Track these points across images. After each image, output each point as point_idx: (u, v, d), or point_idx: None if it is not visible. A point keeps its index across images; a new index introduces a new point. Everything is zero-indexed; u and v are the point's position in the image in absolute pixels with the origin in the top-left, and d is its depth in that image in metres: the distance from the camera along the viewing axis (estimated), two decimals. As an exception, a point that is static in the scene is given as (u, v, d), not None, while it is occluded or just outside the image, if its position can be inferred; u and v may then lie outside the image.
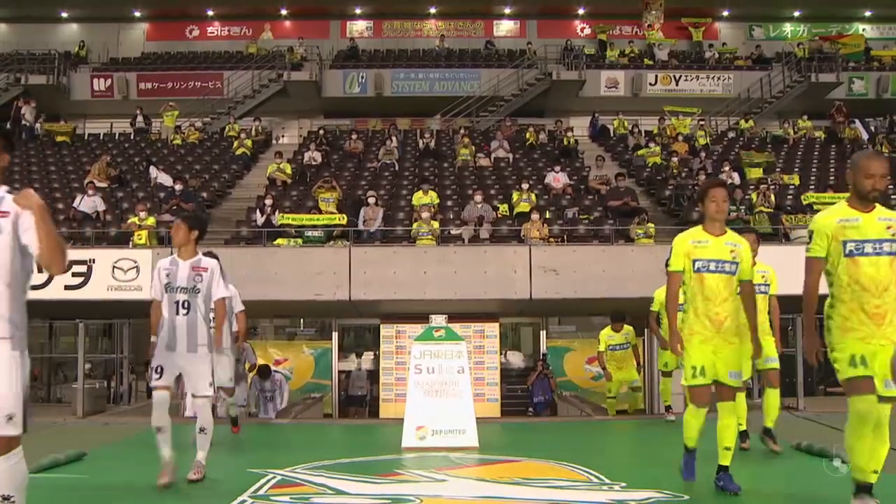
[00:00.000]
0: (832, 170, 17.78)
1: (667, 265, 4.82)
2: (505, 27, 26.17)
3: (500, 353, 14.50)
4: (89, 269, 11.61)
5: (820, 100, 22.07)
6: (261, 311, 13.18)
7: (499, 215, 13.91)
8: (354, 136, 19.06)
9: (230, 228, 14.04)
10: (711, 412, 4.68)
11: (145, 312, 5.40)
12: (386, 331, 14.09)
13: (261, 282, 11.14)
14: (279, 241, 12.81)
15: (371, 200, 13.80)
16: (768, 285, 6.28)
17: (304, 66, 22.78)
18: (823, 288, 4.05)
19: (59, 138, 19.43)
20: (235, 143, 18.79)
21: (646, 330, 10.50)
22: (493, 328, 14.07)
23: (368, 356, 15.13)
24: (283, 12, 25.44)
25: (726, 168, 15.81)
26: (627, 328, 9.91)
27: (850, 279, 3.91)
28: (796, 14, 25.95)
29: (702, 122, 20.67)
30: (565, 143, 18.67)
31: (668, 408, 8.82)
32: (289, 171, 16.44)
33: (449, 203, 14.83)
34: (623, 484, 4.99)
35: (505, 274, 11.68)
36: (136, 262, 11.57)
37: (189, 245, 5.32)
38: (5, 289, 2.79)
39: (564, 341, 14.98)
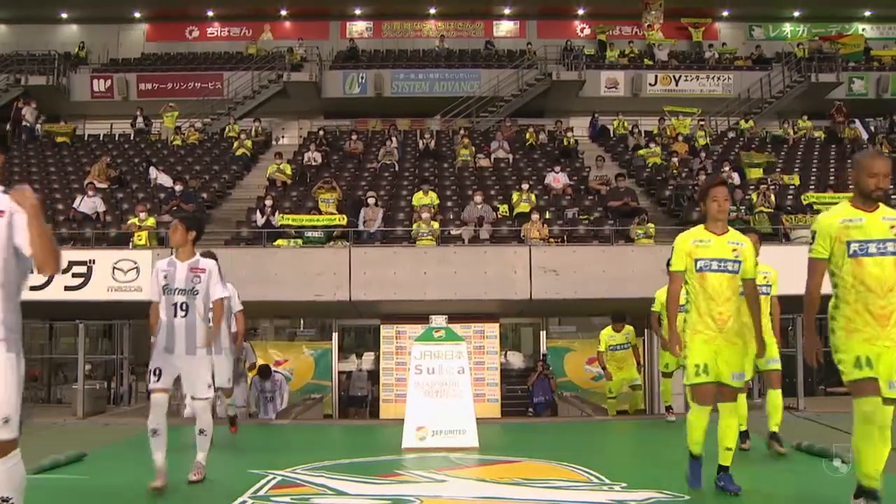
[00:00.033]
0: (832, 170, 17.80)
1: (668, 265, 4.79)
2: (505, 27, 26.18)
3: (501, 354, 14.50)
4: (89, 269, 11.61)
5: (820, 100, 22.08)
6: (261, 312, 13.19)
7: (499, 216, 13.91)
8: (354, 137, 19.06)
9: (230, 229, 14.04)
10: (713, 412, 4.65)
11: (145, 313, 5.38)
12: (386, 331, 14.09)
13: (261, 282, 11.14)
14: (279, 241, 12.82)
15: (371, 201, 13.80)
16: (770, 286, 6.25)
17: (303, 66, 22.79)
18: (826, 288, 4.02)
19: (59, 139, 19.45)
20: (235, 144, 18.79)
21: (646, 330, 10.51)
22: (493, 328, 14.07)
23: (369, 357, 15.13)
24: (283, 13, 25.45)
25: (726, 168, 15.81)
26: (628, 328, 9.91)
27: (854, 280, 3.87)
28: (796, 14, 25.96)
29: (702, 123, 20.68)
30: (565, 143, 18.68)
31: (668, 408, 8.82)
32: (289, 171, 16.44)
33: (449, 203, 14.83)
34: (623, 484, 4.99)
35: (505, 274, 11.68)
36: (136, 262, 11.57)
37: (187, 246, 5.28)
38: None
39: (564, 342, 14.98)
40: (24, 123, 19.93)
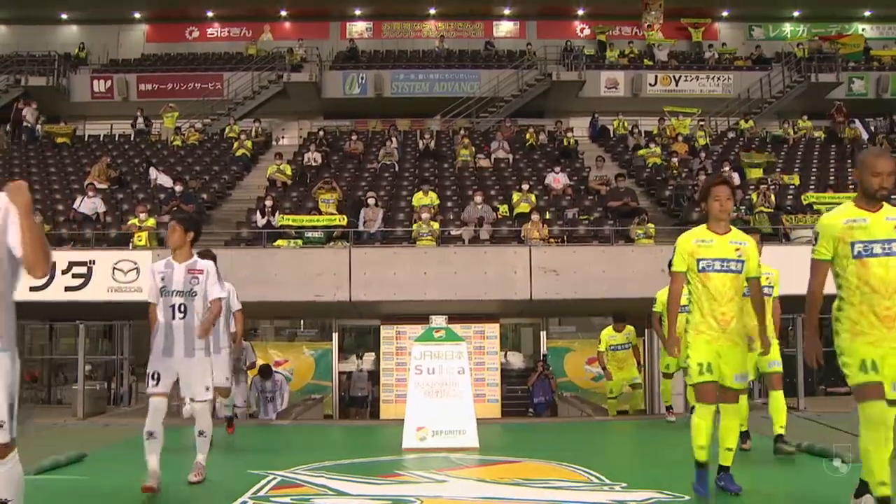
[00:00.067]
0: (832, 170, 17.80)
1: (670, 266, 4.76)
2: (505, 28, 26.18)
3: (501, 354, 14.50)
4: (89, 270, 11.62)
5: (820, 100, 22.08)
6: (261, 313, 13.19)
7: (499, 216, 13.91)
8: (354, 137, 19.07)
9: (230, 230, 14.05)
10: (716, 412, 4.62)
11: (145, 314, 5.34)
12: (386, 332, 14.10)
13: (261, 283, 11.15)
14: (279, 242, 12.82)
15: (371, 201, 13.81)
16: (772, 287, 6.21)
17: (303, 67, 22.80)
18: (829, 288, 3.98)
19: (59, 140, 19.45)
20: (235, 145, 18.80)
21: (646, 330, 10.51)
22: (493, 329, 14.08)
23: (369, 357, 15.13)
24: (283, 13, 25.45)
25: (726, 168, 15.80)
26: (629, 328, 9.90)
27: (859, 281, 3.81)
28: (796, 14, 25.96)
29: (702, 123, 20.68)
30: (565, 143, 18.68)
31: (668, 408, 8.81)
32: (289, 172, 16.45)
33: (449, 204, 14.84)
34: (624, 484, 4.98)
35: (505, 275, 11.69)
36: (136, 263, 11.58)
37: (184, 247, 5.23)
38: None
39: (565, 342, 14.99)
40: (24, 124, 19.94)
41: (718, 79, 22.92)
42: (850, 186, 14.89)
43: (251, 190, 16.75)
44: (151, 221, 12.95)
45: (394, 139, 18.61)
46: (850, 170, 16.77)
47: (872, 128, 21.31)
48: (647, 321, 8.98)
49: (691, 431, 4.52)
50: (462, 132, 19.27)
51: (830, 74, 22.31)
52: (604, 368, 9.99)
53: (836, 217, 3.93)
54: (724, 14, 25.79)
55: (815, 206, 13.58)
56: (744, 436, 6.11)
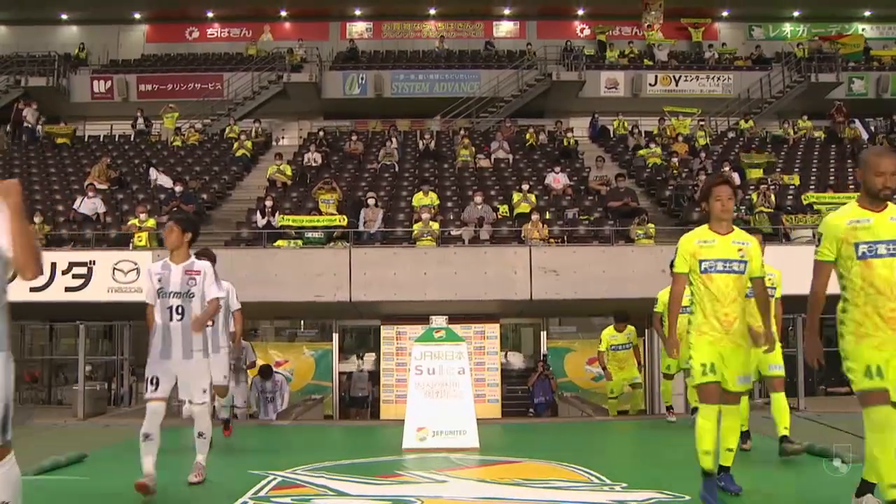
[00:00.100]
0: (832, 170, 17.80)
1: (672, 266, 4.72)
2: (505, 28, 26.18)
3: (501, 354, 14.50)
4: (89, 270, 11.62)
5: (820, 100, 22.07)
6: (261, 313, 13.19)
7: (499, 216, 13.91)
8: (354, 138, 19.07)
9: (230, 230, 14.05)
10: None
11: (145, 314, 5.36)
12: (386, 332, 14.10)
13: (261, 283, 11.16)
14: (279, 242, 12.82)
15: (371, 202, 13.81)
16: (775, 288, 6.19)
17: (303, 67, 22.79)
18: (832, 288, 3.93)
19: (59, 140, 19.45)
20: (235, 145, 18.80)
21: (646, 330, 10.51)
22: (493, 329, 14.08)
23: (369, 357, 15.13)
24: (283, 14, 25.45)
25: (726, 168, 15.80)
26: (630, 328, 9.88)
27: (863, 282, 3.76)
28: (796, 14, 25.96)
29: (702, 123, 20.67)
30: (565, 143, 18.68)
31: (669, 408, 8.81)
32: (289, 172, 16.45)
33: (449, 204, 14.84)
34: (624, 484, 4.99)
35: (505, 275, 11.69)
36: (136, 263, 11.58)
37: (182, 248, 5.17)
38: None
39: (565, 342, 14.99)
40: (24, 125, 19.94)
41: (718, 79, 22.92)
42: (851, 186, 14.89)
43: (251, 190, 16.75)
44: (151, 222, 12.96)
45: (394, 139, 18.61)
46: (850, 170, 16.77)
47: (872, 128, 21.31)
48: (648, 321, 8.99)
49: (696, 435, 4.38)
50: (462, 132, 19.27)
51: (830, 74, 22.31)
52: (604, 368, 9.98)
53: (840, 218, 3.87)
54: (724, 14, 25.79)
55: (815, 207, 13.58)
56: (744, 436, 6.11)
